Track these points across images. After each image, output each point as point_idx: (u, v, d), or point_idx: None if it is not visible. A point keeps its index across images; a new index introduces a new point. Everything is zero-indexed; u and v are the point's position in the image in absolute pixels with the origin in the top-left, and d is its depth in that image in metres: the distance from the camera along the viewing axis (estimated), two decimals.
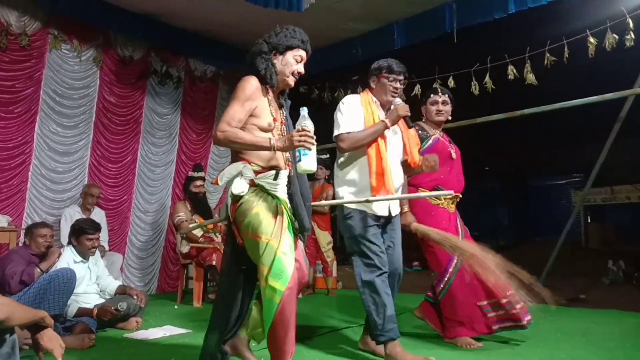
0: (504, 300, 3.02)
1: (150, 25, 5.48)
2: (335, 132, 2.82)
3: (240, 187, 2.20)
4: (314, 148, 2.13)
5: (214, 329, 2.37)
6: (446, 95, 3.39)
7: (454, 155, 3.34)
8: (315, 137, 2.13)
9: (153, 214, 6.00)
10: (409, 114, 2.85)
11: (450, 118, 3.43)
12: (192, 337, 3.36)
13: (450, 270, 3.08)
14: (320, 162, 4.95)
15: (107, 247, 5.06)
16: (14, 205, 4.82)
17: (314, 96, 6.57)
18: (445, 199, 3.21)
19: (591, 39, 4.52)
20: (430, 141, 3.30)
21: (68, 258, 3.56)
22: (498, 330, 3.07)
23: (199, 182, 5.31)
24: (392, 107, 2.87)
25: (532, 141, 10.64)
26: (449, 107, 3.39)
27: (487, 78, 5.17)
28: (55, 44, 5.06)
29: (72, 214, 4.85)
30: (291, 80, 2.40)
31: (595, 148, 5.37)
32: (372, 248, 2.73)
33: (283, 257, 2.09)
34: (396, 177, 2.81)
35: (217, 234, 5.20)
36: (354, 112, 2.85)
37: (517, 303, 3.00)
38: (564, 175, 13.35)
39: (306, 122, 2.14)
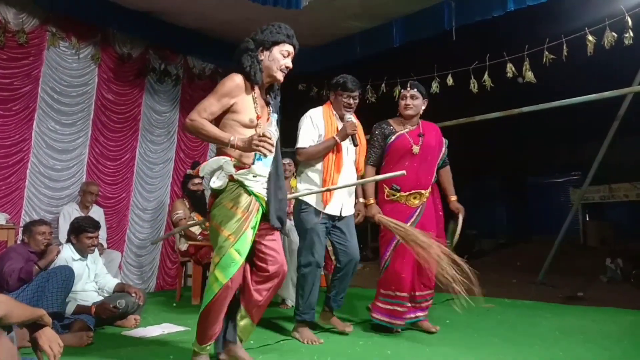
0: (419, 294, 3.37)
1: (149, 23, 5.46)
2: (296, 145, 3.26)
3: (219, 182, 2.33)
4: (270, 155, 2.24)
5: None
6: (415, 90, 3.43)
7: (415, 151, 3.35)
8: (274, 145, 2.22)
9: (151, 211, 5.99)
10: (355, 131, 3.20)
11: (420, 112, 3.46)
12: (190, 335, 3.35)
13: (386, 257, 3.35)
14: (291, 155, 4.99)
15: (105, 245, 5.06)
16: (12, 203, 4.81)
17: (313, 94, 6.56)
18: (403, 193, 3.33)
19: (590, 37, 4.52)
20: (393, 137, 3.40)
21: (67, 256, 3.56)
22: (408, 320, 3.37)
23: (197, 180, 5.30)
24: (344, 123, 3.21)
25: (530, 139, 10.65)
26: (418, 102, 3.42)
27: (485, 76, 5.17)
28: (53, 42, 5.05)
29: (71, 211, 4.85)
30: (280, 75, 2.47)
31: (594, 146, 5.39)
32: (317, 242, 3.17)
33: (234, 254, 2.27)
34: (347, 180, 3.20)
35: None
36: (313, 128, 3.24)
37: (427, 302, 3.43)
38: (563, 173, 13.34)
39: (271, 128, 2.25)
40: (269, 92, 2.54)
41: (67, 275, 3.18)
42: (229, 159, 2.33)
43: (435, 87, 5.51)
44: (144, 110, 5.87)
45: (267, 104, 2.51)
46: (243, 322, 2.49)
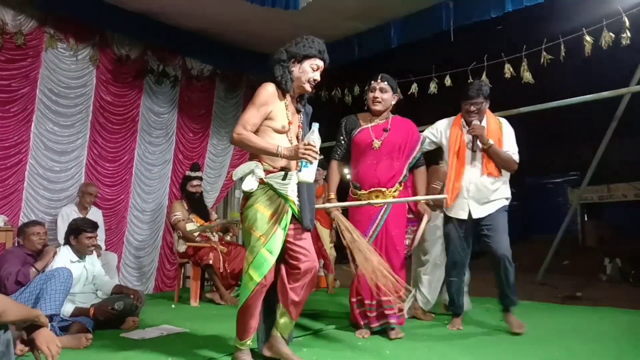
0: (384, 299, 3.20)
1: (147, 24, 5.45)
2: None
3: (249, 184, 2.48)
4: (315, 162, 2.37)
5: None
6: (385, 83, 3.33)
7: (375, 146, 3.27)
8: (319, 153, 2.36)
9: (150, 213, 5.99)
10: (478, 133, 3.36)
11: (390, 107, 3.37)
12: (189, 337, 3.36)
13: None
14: (321, 165, 5.10)
15: (104, 247, 5.05)
16: (10, 205, 4.80)
17: (310, 94, 6.56)
18: (363, 191, 3.29)
19: (587, 38, 4.53)
20: (356, 131, 3.36)
21: (64, 257, 3.55)
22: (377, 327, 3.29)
23: (195, 182, 5.30)
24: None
25: (528, 139, 10.64)
26: (387, 96, 3.32)
27: (483, 76, 5.18)
28: (51, 43, 5.04)
29: (69, 213, 4.84)
30: (307, 87, 2.63)
31: (592, 146, 5.40)
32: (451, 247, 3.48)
33: (266, 254, 2.42)
34: (472, 185, 3.38)
35: (214, 233, 5.20)
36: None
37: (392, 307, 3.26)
38: (561, 173, 13.36)
39: (313, 136, 2.36)
40: (299, 100, 2.70)
41: (65, 277, 3.17)
42: (259, 163, 2.50)
43: (433, 87, 5.52)
44: (142, 112, 5.86)
45: (298, 111, 2.68)
46: (282, 320, 2.60)
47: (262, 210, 2.45)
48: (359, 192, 3.31)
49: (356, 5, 5.12)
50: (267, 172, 2.50)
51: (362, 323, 3.33)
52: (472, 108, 3.40)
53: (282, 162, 2.50)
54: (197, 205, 5.28)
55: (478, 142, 3.40)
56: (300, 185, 2.54)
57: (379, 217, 3.28)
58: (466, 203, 3.40)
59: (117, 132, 5.63)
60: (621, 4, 4.37)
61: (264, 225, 2.44)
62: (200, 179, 5.46)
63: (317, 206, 2.98)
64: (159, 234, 6.06)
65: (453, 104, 3.55)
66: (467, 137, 3.44)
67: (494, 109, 3.67)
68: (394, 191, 3.29)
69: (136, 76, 5.75)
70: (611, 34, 4.41)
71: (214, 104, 6.56)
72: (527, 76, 4.94)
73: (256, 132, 2.51)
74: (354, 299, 3.37)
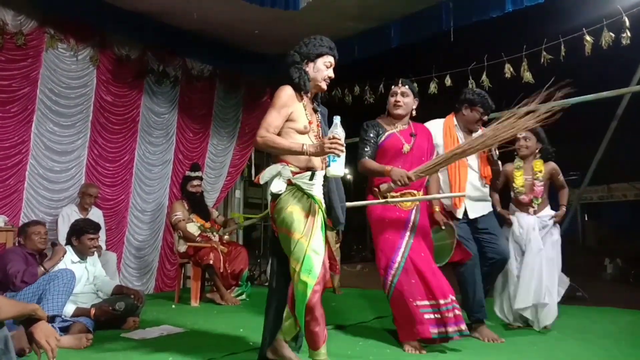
0: (442, 302, 2.96)
1: (147, 25, 5.46)
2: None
3: (278, 186, 2.45)
4: (343, 155, 2.34)
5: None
6: (406, 87, 3.28)
7: (405, 150, 3.20)
8: (345, 145, 2.34)
9: (150, 213, 5.99)
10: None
11: (414, 112, 3.31)
12: (189, 337, 3.36)
13: (395, 266, 3.03)
14: None
15: (104, 247, 5.05)
16: (11, 205, 4.80)
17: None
18: (392, 196, 3.13)
19: (587, 37, 4.53)
20: (383, 137, 3.25)
21: (66, 258, 3.55)
22: (436, 335, 2.94)
23: (196, 182, 5.30)
24: None
25: None
26: (409, 100, 3.26)
27: (484, 76, 5.18)
28: (51, 43, 5.04)
29: (70, 213, 4.84)
30: (324, 85, 2.64)
31: (592, 146, 5.39)
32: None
33: (313, 254, 2.34)
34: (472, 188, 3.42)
35: (214, 233, 5.20)
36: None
37: (455, 309, 2.98)
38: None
39: (337, 130, 2.34)
40: (315, 99, 2.72)
41: (68, 279, 3.18)
42: (286, 164, 2.48)
43: (433, 87, 5.52)
44: (142, 112, 5.86)
45: (315, 110, 2.69)
46: (287, 323, 2.58)
47: (296, 212, 2.41)
48: (389, 195, 3.12)
49: (356, 5, 5.12)
50: (293, 173, 2.48)
51: (434, 332, 2.95)
52: (485, 118, 3.49)
53: (308, 162, 2.49)
54: (197, 205, 5.28)
55: (495, 151, 3.39)
56: (330, 181, 2.55)
57: (411, 222, 3.15)
58: (463, 203, 3.44)
59: (117, 133, 5.63)
60: (621, 4, 4.38)
61: (302, 226, 2.39)
62: (201, 179, 5.46)
63: (347, 204, 2.84)
64: (159, 234, 6.06)
65: (454, 103, 3.54)
66: (467, 140, 3.39)
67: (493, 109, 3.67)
68: (421, 194, 3.26)
69: (136, 76, 5.75)
70: (611, 33, 4.42)
71: (214, 104, 6.56)
72: (528, 76, 4.95)
73: (278, 134, 2.50)
74: (418, 303, 2.98)
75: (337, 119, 2.39)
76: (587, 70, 5.26)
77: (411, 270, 3.01)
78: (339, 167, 2.35)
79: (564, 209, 3.77)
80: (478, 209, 3.45)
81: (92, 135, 5.41)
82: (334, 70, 2.66)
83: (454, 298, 3.01)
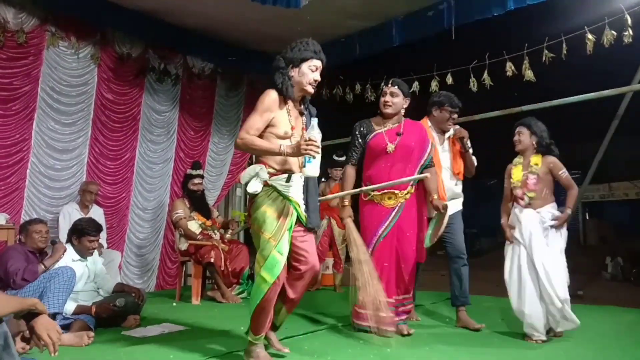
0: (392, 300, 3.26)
1: (148, 23, 5.45)
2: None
3: (254, 187, 2.55)
4: (318, 156, 2.44)
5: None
6: (396, 87, 3.39)
7: (389, 150, 3.31)
8: (320, 147, 2.44)
9: (151, 211, 5.99)
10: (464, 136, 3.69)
11: (401, 110, 3.41)
12: (190, 335, 3.37)
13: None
14: (338, 164, 5.60)
15: (105, 245, 5.05)
16: (12, 203, 4.81)
17: (312, 96, 6.55)
18: (376, 193, 3.32)
19: (589, 36, 4.52)
20: (370, 136, 3.40)
21: (66, 256, 3.55)
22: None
23: (197, 180, 5.30)
24: None
25: None
26: (398, 100, 3.38)
27: (485, 75, 5.17)
28: (52, 41, 5.04)
29: (71, 211, 4.85)
30: (310, 89, 2.69)
31: (593, 145, 5.38)
32: None
33: (277, 255, 2.48)
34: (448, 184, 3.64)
35: (216, 231, 5.20)
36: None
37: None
38: None
39: (314, 132, 2.45)
40: (302, 103, 2.78)
41: (69, 277, 3.18)
42: (263, 166, 2.58)
43: (434, 86, 5.51)
44: (143, 110, 5.86)
45: (301, 114, 2.76)
46: (280, 312, 2.73)
47: (269, 212, 2.52)
48: (371, 194, 3.34)
49: (357, 3, 5.11)
50: (271, 174, 2.57)
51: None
52: (455, 116, 3.67)
53: (285, 164, 2.58)
54: (198, 203, 5.28)
55: (467, 142, 3.67)
56: (306, 184, 2.64)
57: (391, 218, 3.30)
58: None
59: (118, 130, 5.63)
60: (623, 2, 4.36)
61: (273, 227, 2.51)
62: (202, 177, 5.46)
63: (320, 198, 3.07)
64: (160, 232, 6.06)
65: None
66: (441, 139, 3.69)
67: (495, 108, 3.73)
68: (407, 193, 3.32)
69: (137, 74, 5.75)
70: (613, 32, 4.40)
71: (215, 102, 6.56)
72: (529, 74, 4.94)
73: (259, 138, 2.59)
74: (391, 299, 3.28)
75: (314, 121, 2.49)
76: (589, 68, 5.26)
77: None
78: (313, 168, 2.47)
79: (568, 211, 3.30)
80: (451, 208, 3.43)
81: (93, 133, 5.42)
82: (323, 72, 2.69)
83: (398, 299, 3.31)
